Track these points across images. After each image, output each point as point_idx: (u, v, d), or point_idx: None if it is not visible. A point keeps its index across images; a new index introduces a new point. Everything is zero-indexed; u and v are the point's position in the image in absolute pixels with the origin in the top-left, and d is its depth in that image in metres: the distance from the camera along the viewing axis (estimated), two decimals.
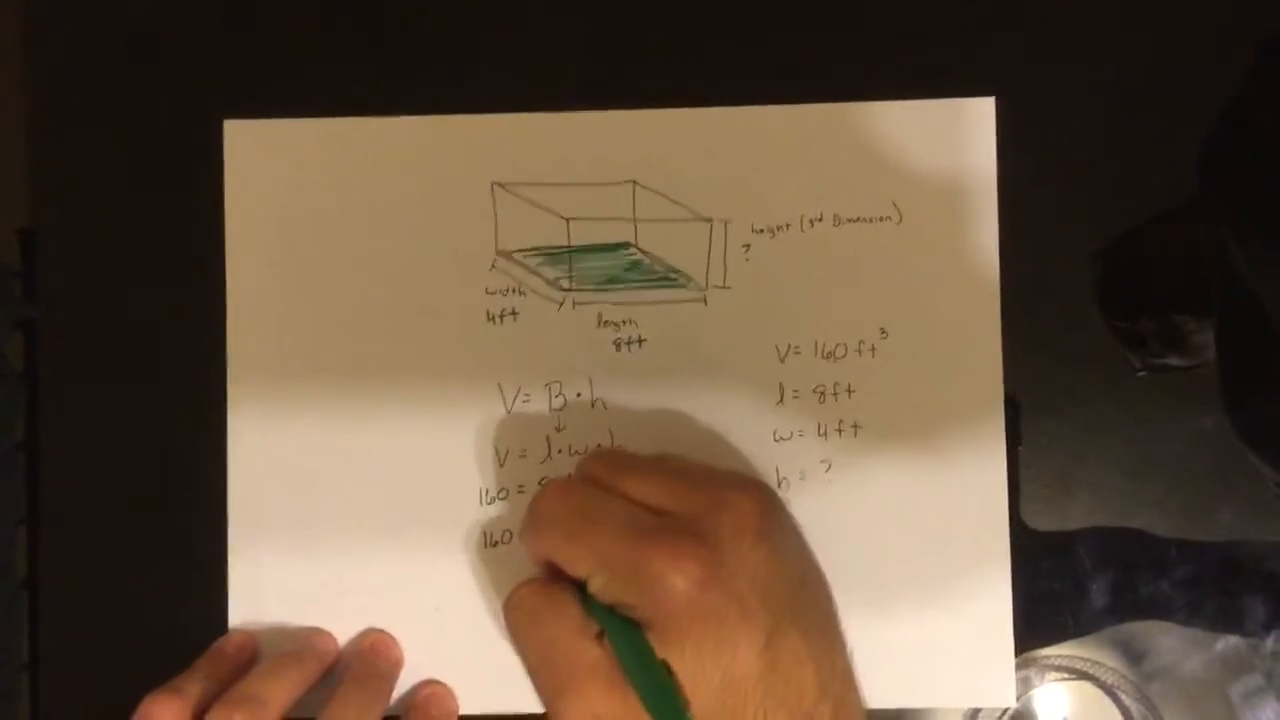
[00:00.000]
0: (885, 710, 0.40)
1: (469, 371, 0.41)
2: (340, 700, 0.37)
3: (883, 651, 0.40)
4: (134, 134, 0.42)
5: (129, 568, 0.42)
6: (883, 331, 0.40)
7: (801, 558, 0.36)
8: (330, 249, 0.41)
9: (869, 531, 0.40)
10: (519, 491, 0.40)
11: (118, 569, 0.42)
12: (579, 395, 0.41)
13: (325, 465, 0.41)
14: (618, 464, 0.36)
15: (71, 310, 0.42)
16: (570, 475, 0.38)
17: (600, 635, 0.33)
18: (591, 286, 0.41)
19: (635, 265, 0.41)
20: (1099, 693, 0.42)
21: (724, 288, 0.41)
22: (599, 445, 0.40)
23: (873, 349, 0.40)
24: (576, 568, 0.34)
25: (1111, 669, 0.42)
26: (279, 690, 0.37)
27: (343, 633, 0.41)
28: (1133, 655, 0.42)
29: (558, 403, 0.41)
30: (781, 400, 0.40)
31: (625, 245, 0.41)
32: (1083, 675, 0.42)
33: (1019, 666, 0.40)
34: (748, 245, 0.41)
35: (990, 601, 0.40)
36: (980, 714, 0.42)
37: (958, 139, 0.40)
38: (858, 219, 0.40)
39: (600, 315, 0.41)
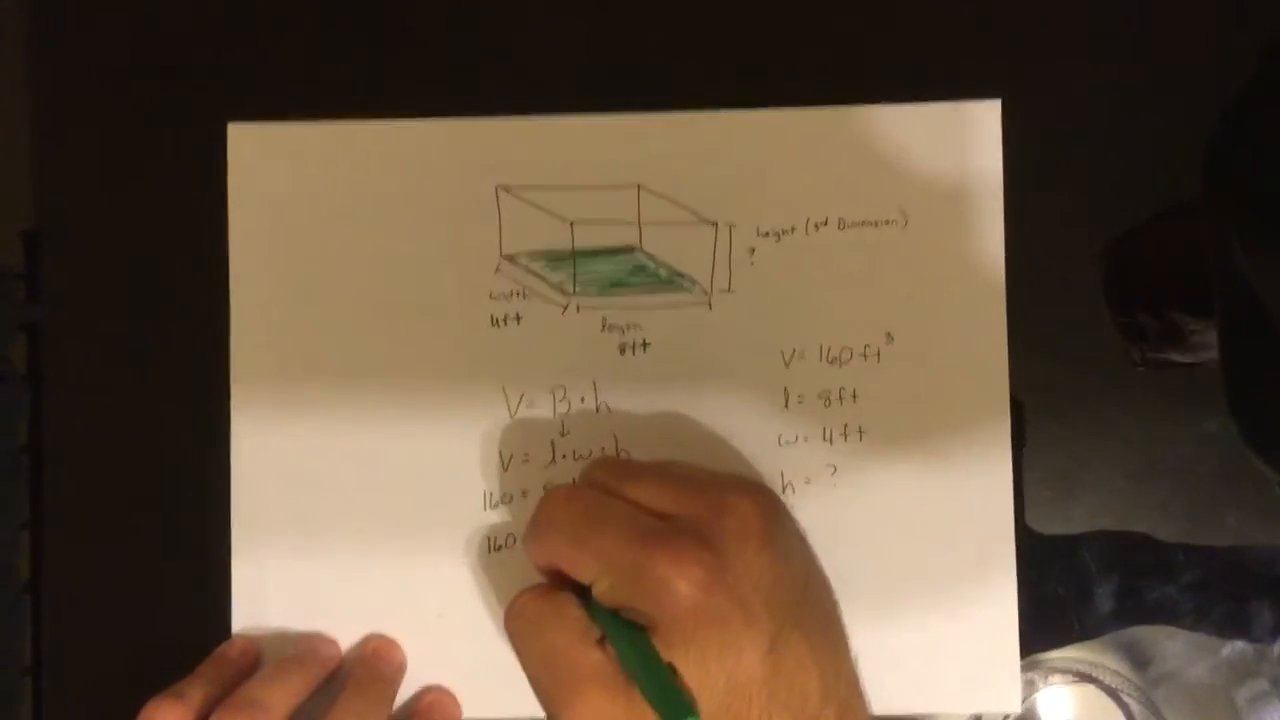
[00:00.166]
0: (890, 715, 0.40)
1: (473, 375, 0.40)
2: (343, 706, 0.37)
3: (887, 656, 0.40)
4: (138, 137, 0.42)
5: (132, 571, 0.42)
6: (888, 336, 0.40)
7: (805, 562, 0.36)
8: (334, 252, 0.41)
9: (874, 536, 0.40)
10: (523, 496, 0.40)
11: (120, 572, 0.42)
12: (583, 399, 0.40)
13: (328, 469, 0.40)
14: (621, 469, 0.36)
15: (75, 313, 0.42)
16: (574, 480, 0.38)
17: (602, 641, 0.33)
18: (596, 290, 0.41)
19: (640, 269, 0.41)
20: (1103, 697, 0.42)
21: (729, 292, 0.40)
22: (603, 450, 0.40)
23: (878, 353, 0.40)
24: (581, 572, 0.34)
25: (1116, 673, 0.42)
26: (281, 695, 0.37)
27: (345, 637, 0.40)
28: (1138, 659, 0.42)
29: (562, 407, 0.40)
30: (786, 405, 0.40)
31: (630, 249, 0.41)
32: (1087, 679, 0.42)
33: (1023, 670, 0.40)
34: (753, 249, 0.40)
35: (995, 606, 0.40)
36: (984, 718, 0.41)
37: (963, 142, 0.40)
38: (863, 223, 0.40)
39: (605, 319, 0.41)
